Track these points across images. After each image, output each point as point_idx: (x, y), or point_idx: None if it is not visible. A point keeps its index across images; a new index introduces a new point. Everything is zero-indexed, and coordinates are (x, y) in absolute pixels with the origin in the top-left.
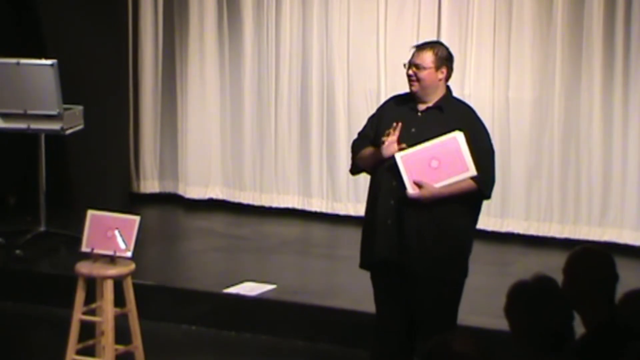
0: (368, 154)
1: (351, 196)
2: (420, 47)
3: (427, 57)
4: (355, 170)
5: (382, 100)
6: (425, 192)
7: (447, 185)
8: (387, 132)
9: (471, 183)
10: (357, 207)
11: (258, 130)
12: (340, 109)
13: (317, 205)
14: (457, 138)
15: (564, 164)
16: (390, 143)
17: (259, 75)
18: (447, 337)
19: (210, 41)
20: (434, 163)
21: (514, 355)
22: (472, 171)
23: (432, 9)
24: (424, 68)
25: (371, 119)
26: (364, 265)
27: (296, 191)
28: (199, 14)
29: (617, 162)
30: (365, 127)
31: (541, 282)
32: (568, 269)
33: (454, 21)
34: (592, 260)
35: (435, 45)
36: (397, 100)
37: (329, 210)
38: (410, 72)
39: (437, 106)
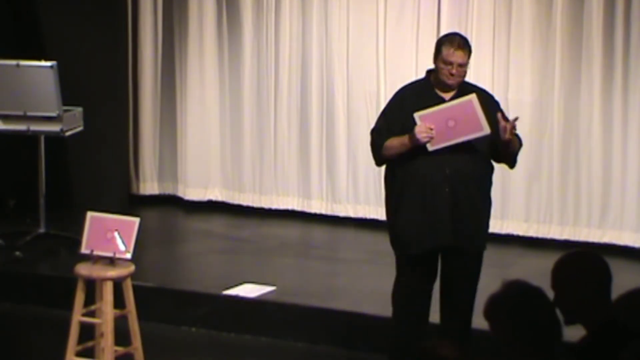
0: (397, 142)
1: (351, 198)
2: (462, 47)
3: (467, 57)
4: (381, 162)
5: (382, 101)
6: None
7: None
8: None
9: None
10: (357, 209)
11: (257, 132)
12: (339, 111)
13: (316, 207)
14: (472, 101)
15: (564, 166)
16: (423, 129)
17: (259, 77)
18: (433, 343)
19: (210, 43)
20: (451, 123)
21: (505, 357)
22: (487, 129)
23: (432, 11)
24: (465, 65)
25: (389, 113)
26: (410, 251)
27: (296, 193)
28: (199, 16)
29: (617, 164)
30: (383, 121)
31: (517, 286)
32: (561, 277)
33: (454, 23)
34: (587, 263)
35: (468, 43)
36: (413, 91)
37: (329, 212)
38: (454, 71)
39: (464, 93)
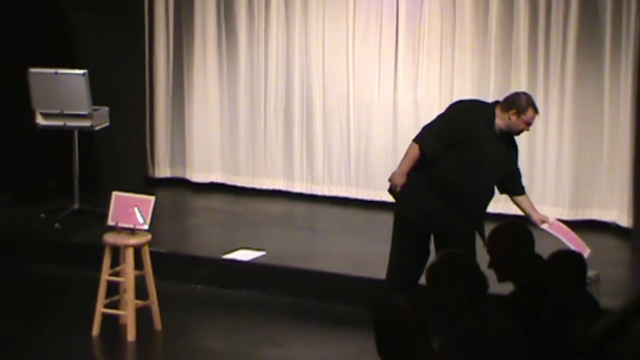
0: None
1: (326, 180)
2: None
3: None
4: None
5: (352, 101)
6: None
7: None
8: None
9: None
10: (332, 189)
11: (250, 126)
12: (317, 109)
13: (298, 187)
14: (585, 253)
15: None
16: None
17: (251, 81)
18: (390, 298)
19: (211, 53)
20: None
21: (443, 308)
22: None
23: (391, 30)
24: None
25: (452, 123)
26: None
27: (281, 175)
28: (202, 30)
29: (539, 150)
30: (443, 128)
31: (450, 255)
32: (495, 243)
33: (409, 40)
34: (516, 232)
35: None
36: (481, 119)
37: (308, 191)
38: (529, 129)
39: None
